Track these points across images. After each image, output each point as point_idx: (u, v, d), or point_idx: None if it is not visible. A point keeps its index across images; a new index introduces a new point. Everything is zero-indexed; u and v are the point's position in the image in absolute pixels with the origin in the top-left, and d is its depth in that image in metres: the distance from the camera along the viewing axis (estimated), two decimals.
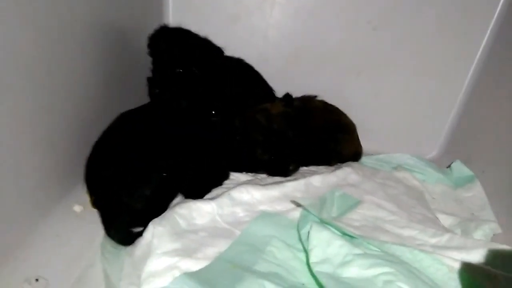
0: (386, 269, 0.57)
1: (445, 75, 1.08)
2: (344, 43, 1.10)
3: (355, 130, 1.05)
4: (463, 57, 1.05)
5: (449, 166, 1.04)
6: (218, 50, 0.92)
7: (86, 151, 0.74)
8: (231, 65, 1.01)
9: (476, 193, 0.95)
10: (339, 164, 1.00)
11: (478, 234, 0.80)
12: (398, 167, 1.01)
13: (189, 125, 0.81)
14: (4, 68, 0.54)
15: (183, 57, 0.83)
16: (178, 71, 0.82)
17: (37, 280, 0.57)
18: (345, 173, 0.92)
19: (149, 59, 0.89)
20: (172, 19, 1.13)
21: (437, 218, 0.85)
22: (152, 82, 0.82)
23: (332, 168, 0.97)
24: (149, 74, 0.86)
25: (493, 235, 0.81)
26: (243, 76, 1.02)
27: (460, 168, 1.01)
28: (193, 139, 0.78)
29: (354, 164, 1.00)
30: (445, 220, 0.85)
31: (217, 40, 1.11)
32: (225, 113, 0.89)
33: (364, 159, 1.06)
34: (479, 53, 1.03)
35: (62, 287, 0.58)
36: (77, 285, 0.59)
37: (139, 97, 0.89)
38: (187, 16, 1.12)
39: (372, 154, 1.09)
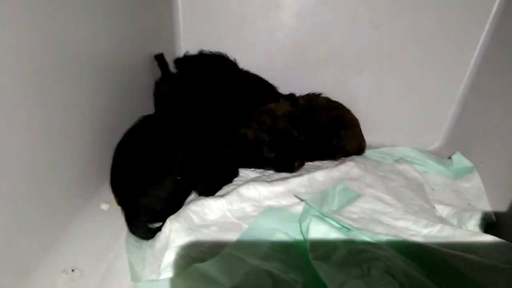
0: (374, 257, 0.64)
1: (445, 70, 1.11)
2: (347, 42, 1.14)
3: (358, 125, 1.10)
4: (462, 52, 1.08)
5: (450, 158, 1.08)
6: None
7: (111, 154, 0.83)
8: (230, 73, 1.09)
9: (474, 183, 0.99)
10: (343, 158, 1.06)
11: (472, 224, 0.85)
12: (400, 160, 1.07)
13: (201, 129, 0.88)
14: (40, 93, 0.62)
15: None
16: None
17: (73, 270, 0.66)
18: (348, 167, 0.98)
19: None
20: (183, 23, 1.20)
21: (435, 209, 0.90)
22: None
23: (336, 162, 1.03)
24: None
25: (487, 224, 0.86)
26: (243, 80, 1.09)
27: (460, 160, 1.05)
28: (204, 142, 0.86)
29: (358, 158, 1.06)
30: (443, 210, 0.91)
31: (226, 43, 1.18)
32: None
33: (368, 152, 1.12)
34: (478, 48, 1.05)
35: (94, 276, 0.67)
36: (106, 274, 0.68)
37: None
38: (197, 21, 1.18)
39: (376, 147, 1.14)
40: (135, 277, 0.66)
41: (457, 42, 1.07)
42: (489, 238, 0.73)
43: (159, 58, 1.05)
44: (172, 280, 0.61)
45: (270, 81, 1.16)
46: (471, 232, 0.76)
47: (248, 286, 0.60)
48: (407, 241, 0.70)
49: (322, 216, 0.76)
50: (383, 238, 0.71)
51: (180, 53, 1.20)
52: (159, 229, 0.74)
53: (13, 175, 0.58)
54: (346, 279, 0.60)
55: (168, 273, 0.63)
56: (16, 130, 0.58)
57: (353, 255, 0.66)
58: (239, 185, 0.86)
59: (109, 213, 0.80)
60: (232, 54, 1.15)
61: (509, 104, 0.93)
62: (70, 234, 0.73)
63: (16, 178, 0.59)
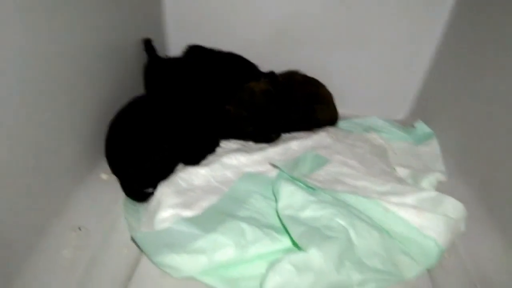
0: (330, 210, 0.76)
1: (411, 46, 1.21)
2: (321, 22, 1.23)
3: (332, 98, 1.21)
4: (427, 30, 1.17)
5: (413, 126, 1.20)
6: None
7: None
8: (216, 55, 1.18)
9: (432, 148, 1.10)
10: (317, 129, 1.18)
11: (425, 182, 0.97)
12: (368, 129, 1.18)
13: (186, 106, 0.99)
14: (47, 80, 0.73)
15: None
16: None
17: (80, 229, 0.80)
18: (320, 137, 1.09)
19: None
20: (169, 10, 1.28)
21: (395, 170, 1.02)
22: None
23: (310, 133, 1.15)
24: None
25: (438, 182, 0.99)
26: (226, 61, 1.19)
27: (422, 127, 1.17)
28: (188, 117, 0.97)
29: (330, 128, 1.17)
30: (402, 172, 1.01)
31: (211, 27, 1.28)
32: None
33: (341, 123, 1.23)
34: (441, 26, 1.15)
35: (99, 233, 0.79)
36: (109, 232, 0.81)
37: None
38: (182, 7, 1.27)
39: (349, 118, 1.26)
40: (133, 233, 0.79)
41: (422, 21, 1.16)
42: (432, 193, 0.85)
43: (146, 43, 1.15)
44: (164, 230, 0.75)
45: (252, 61, 1.26)
46: (418, 189, 0.88)
47: (225, 233, 0.73)
48: (361, 196, 0.83)
49: (291, 179, 0.88)
50: (341, 195, 0.83)
51: (168, 38, 1.30)
52: (151, 193, 0.86)
53: (26, 150, 0.70)
54: (305, 229, 0.73)
55: (159, 226, 0.76)
56: (30, 113, 0.69)
57: (314, 209, 0.78)
58: (222, 155, 0.98)
59: (108, 181, 0.92)
60: (216, 37, 1.25)
61: (467, 79, 1.03)
62: (76, 199, 0.85)
63: (29, 153, 0.71)
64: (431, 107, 1.21)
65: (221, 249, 0.71)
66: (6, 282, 0.66)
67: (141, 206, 0.86)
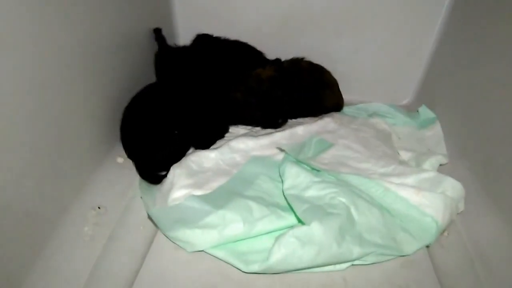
0: (333, 190, 0.80)
1: (415, 32, 1.23)
2: (326, 9, 1.24)
3: (336, 85, 1.24)
4: (431, 14, 1.19)
5: (418, 111, 1.23)
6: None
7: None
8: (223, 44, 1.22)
9: (435, 132, 1.13)
10: (322, 115, 1.21)
11: (427, 165, 1.00)
12: (373, 114, 1.21)
13: (196, 92, 1.04)
14: (70, 70, 0.78)
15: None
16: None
17: (99, 208, 0.86)
18: (325, 122, 1.13)
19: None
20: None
21: (398, 154, 1.05)
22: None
23: (316, 118, 1.19)
24: None
25: (440, 165, 1.02)
26: (233, 49, 1.23)
27: (425, 111, 1.19)
28: (198, 103, 1.02)
29: (335, 114, 1.20)
30: (405, 155, 1.05)
31: (217, 17, 1.31)
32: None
33: (345, 109, 1.26)
34: (443, 10, 1.17)
35: (117, 212, 0.85)
36: (126, 210, 0.87)
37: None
38: None
39: (354, 104, 1.29)
40: (148, 210, 0.84)
41: (425, 6, 1.17)
42: (432, 174, 0.89)
43: (157, 32, 1.19)
44: (176, 206, 0.80)
45: (258, 48, 1.29)
46: (418, 169, 0.92)
47: (233, 210, 0.78)
48: (363, 177, 0.86)
49: (297, 162, 0.92)
50: (344, 176, 0.87)
51: (177, 27, 1.34)
52: (165, 176, 0.92)
53: (50, 137, 0.75)
54: (308, 206, 0.77)
55: (172, 203, 0.82)
56: (53, 102, 0.75)
57: (317, 189, 0.83)
58: (230, 140, 1.03)
59: (124, 165, 0.98)
60: (224, 25, 1.28)
61: (469, 64, 1.04)
62: (95, 180, 0.91)
63: (52, 139, 0.76)
64: (434, 92, 1.23)
65: (230, 224, 0.76)
66: (33, 254, 0.72)
67: (155, 187, 0.92)
